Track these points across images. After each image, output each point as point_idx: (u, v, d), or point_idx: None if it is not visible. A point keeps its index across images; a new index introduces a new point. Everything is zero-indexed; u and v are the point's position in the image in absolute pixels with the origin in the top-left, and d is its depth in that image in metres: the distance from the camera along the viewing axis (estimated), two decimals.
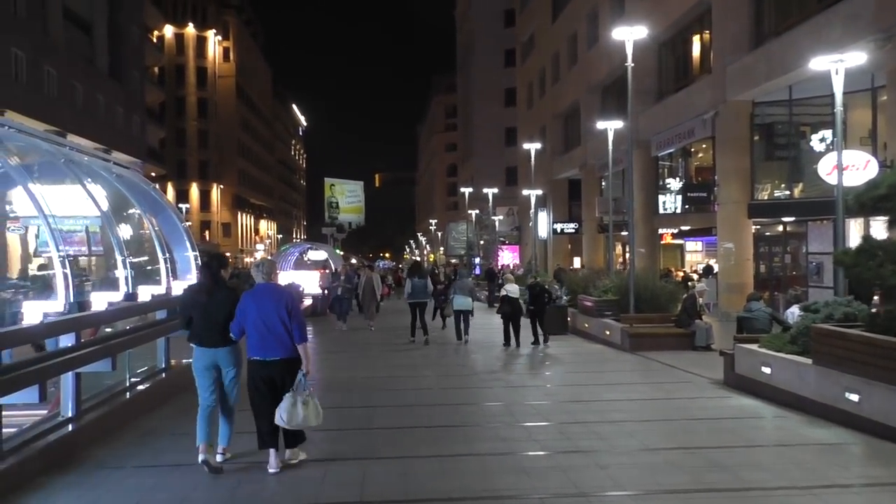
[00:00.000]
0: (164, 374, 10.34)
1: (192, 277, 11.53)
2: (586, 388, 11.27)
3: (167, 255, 10.23)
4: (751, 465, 6.74)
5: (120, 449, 7.43)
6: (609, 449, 7.33)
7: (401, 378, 12.40)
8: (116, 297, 8.58)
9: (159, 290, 9.94)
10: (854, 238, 22.78)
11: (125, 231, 9.61)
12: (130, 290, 8.63)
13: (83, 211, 9.41)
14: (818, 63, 12.94)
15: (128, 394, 9.02)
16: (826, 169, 17.69)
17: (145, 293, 9.57)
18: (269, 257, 26.48)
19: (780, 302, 23.99)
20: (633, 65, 18.23)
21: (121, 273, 8.45)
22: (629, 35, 17.98)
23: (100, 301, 8.35)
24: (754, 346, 10.39)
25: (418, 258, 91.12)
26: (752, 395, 9.97)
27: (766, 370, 9.83)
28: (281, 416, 6.42)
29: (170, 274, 10.08)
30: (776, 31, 21.21)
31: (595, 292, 19.08)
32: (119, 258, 8.54)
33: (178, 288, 11.04)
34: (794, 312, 11.03)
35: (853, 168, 16.80)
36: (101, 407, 8.12)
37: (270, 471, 6.57)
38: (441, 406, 9.84)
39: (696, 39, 27.38)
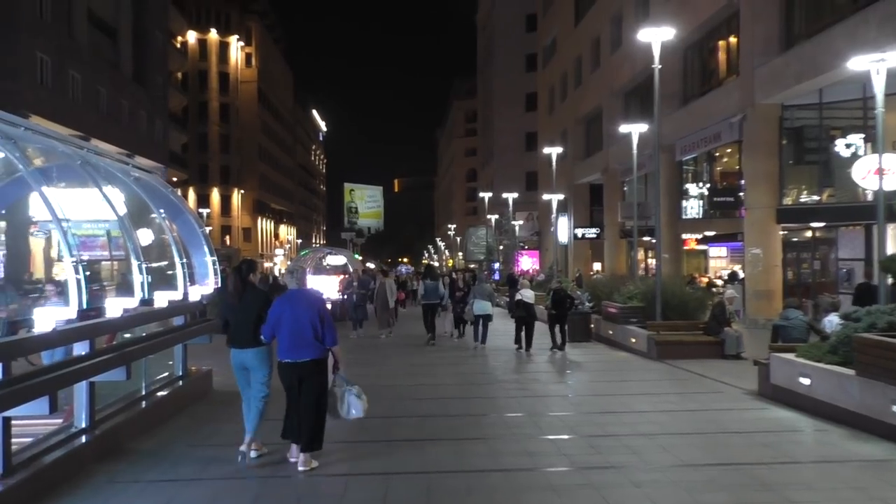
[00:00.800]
0: (181, 382, 10.10)
1: (210, 283, 11.31)
2: (614, 398, 10.90)
3: (184, 259, 9.97)
4: (797, 483, 6.36)
5: (135, 462, 7.17)
6: (643, 465, 6.97)
7: (420, 387, 12.09)
8: (132, 303, 8.33)
9: (176, 295, 9.69)
10: (887, 244, 22.30)
11: (144, 235, 9.35)
12: (146, 296, 8.38)
13: (103, 215, 9.20)
14: (857, 63, 12.53)
15: (143, 403, 8.77)
16: (861, 173, 17.25)
17: (162, 299, 9.33)
18: (300, 264, 26.12)
19: (807, 308, 23.46)
20: (660, 66, 17.74)
21: (136, 278, 8.21)
22: (656, 36, 17.54)
23: (115, 307, 8.12)
24: (791, 356, 9.98)
25: (435, 262, 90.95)
26: (789, 407, 9.57)
27: (805, 381, 9.42)
28: (349, 411, 7.01)
29: (187, 279, 9.83)
30: (807, 33, 20.74)
31: (620, 298, 18.67)
32: (135, 263, 8.30)
33: (196, 293, 10.83)
34: (832, 321, 10.60)
35: (889, 172, 16.34)
36: (116, 417, 7.87)
37: (291, 460, 6.97)
38: (463, 417, 9.51)
39: (722, 42, 26.92)
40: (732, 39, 25.60)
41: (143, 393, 8.92)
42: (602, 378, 13.39)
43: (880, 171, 12.13)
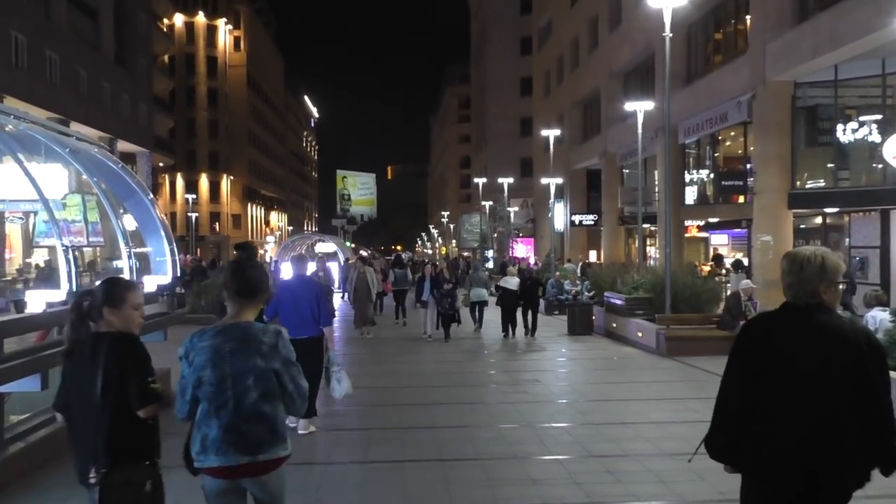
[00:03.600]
0: None
1: (169, 275, 9.94)
2: (626, 404, 9.58)
3: (131, 247, 8.59)
4: None
5: (49, 489, 5.84)
6: (676, 499, 5.67)
7: (406, 389, 10.75)
8: (58, 295, 6.98)
9: (58, 295, 8.30)
10: None
11: (75, 217, 7.98)
12: (75, 288, 7.01)
13: (27, 194, 7.84)
14: None
15: None
16: (893, 151, 15.97)
17: (38, 300, 7.96)
18: (303, 252, 24.93)
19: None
20: (671, 34, 16.36)
21: (62, 267, 6.86)
22: (667, 2, 16.11)
23: (37, 301, 6.78)
24: None
25: (414, 252, 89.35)
26: None
27: None
28: (335, 389, 7.26)
29: (135, 268, 8.46)
30: (824, 4, 19.34)
31: (624, 289, 17.35)
32: (60, 249, 6.94)
33: (152, 284, 9.47)
34: (875, 317, 9.30)
35: None
36: (29, 436, 6.52)
37: (291, 425, 7.04)
38: (453, 430, 8.18)
39: (729, 17, 25.54)
40: (740, 14, 24.22)
41: None
42: (609, 378, 12.05)
43: None
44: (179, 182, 79.04)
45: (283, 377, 3.45)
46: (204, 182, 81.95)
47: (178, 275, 9.76)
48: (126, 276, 8.42)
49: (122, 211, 9.43)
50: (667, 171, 17.96)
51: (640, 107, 20.77)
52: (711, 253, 31.79)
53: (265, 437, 3.39)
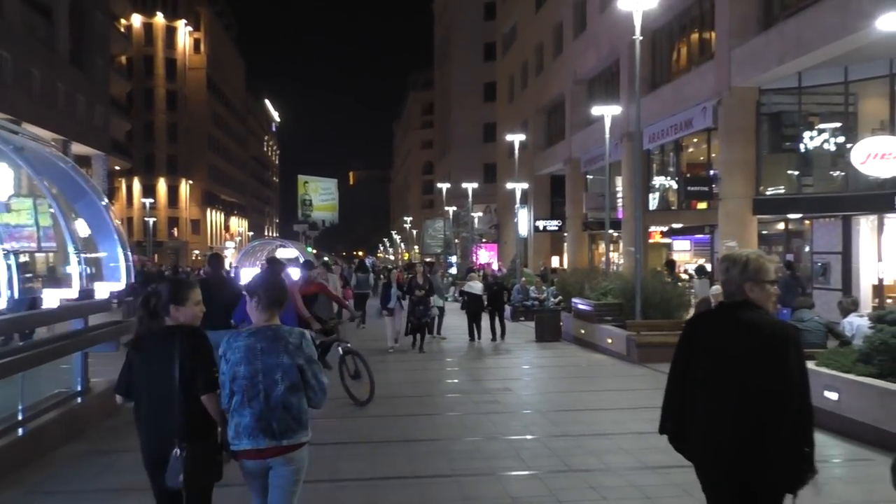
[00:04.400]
0: (79, 400, 8.24)
1: (123, 282, 9.44)
2: (602, 413, 9.30)
3: (80, 251, 8.09)
4: None
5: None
6: None
7: (374, 399, 10.34)
8: None
9: (70, 294, 7.82)
10: (865, 236, 21.19)
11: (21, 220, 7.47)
12: (18, 295, 6.52)
13: None
14: (887, 23, 11.00)
15: (20, 431, 6.91)
16: (860, 157, 15.95)
17: (52, 298, 7.47)
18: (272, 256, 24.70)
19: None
20: (640, 38, 16.26)
21: (2, 274, 6.36)
22: (637, 4, 15.96)
23: None
24: (811, 365, 8.49)
25: (376, 257, 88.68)
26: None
27: (832, 396, 7.94)
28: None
29: (84, 274, 7.96)
30: (790, 10, 19.40)
31: (593, 294, 17.14)
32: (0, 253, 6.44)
33: (104, 291, 8.96)
34: (852, 323, 9.15)
35: (890, 156, 15.11)
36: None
37: None
38: (427, 444, 7.81)
39: (695, 24, 25.58)
40: (706, 20, 24.26)
41: (20, 418, 7.04)
42: (582, 387, 11.76)
43: None
44: (137, 186, 77.55)
45: (306, 372, 3.92)
46: (162, 186, 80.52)
47: (133, 281, 9.25)
48: (76, 282, 7.93)
49: (73, 215, 8.91)
50: (636, 175, 17.75)
51: (607, 111, 20.64)
52: (677, 260, 31.89)
53: (290, 424, 3.88)
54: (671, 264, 26.41)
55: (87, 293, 8.37)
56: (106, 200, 9.54)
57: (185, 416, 3.88)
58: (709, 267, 24.97)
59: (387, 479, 6.42)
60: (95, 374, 8.73)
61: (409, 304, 16.04)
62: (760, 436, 3.25)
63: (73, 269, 7.90)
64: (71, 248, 7.85)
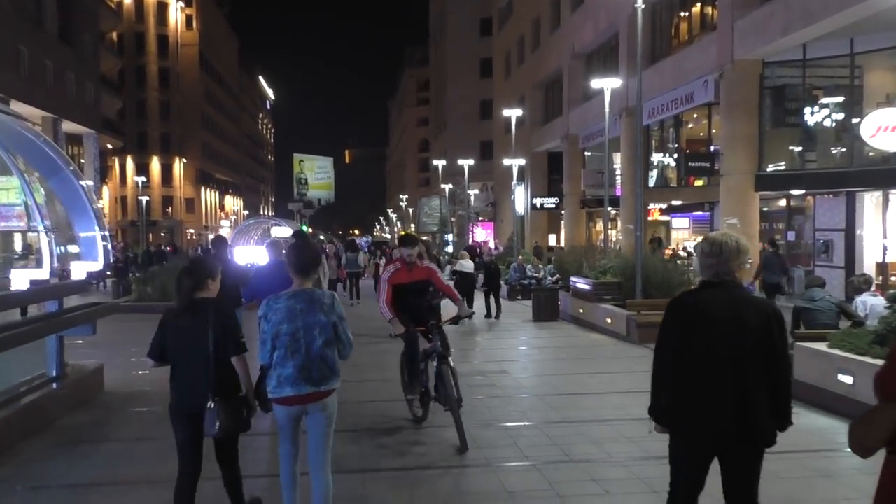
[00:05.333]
0: (54, 385, 7.82)
1: (100, 262, 8.99)
2: (602, 398, 8.89)
3: (51, 228, 7.63)
4: None
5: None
6: None
7: (366, 383, 9.93)
8: None
9: (40, 274, 7.37)
10: (869, 213, 20.78)
11: None
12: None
13: None
14: None
15: None
16: (870, 130, 15.52)
17: (20, 278, 7.03)
18: (277, 237, 24.77)
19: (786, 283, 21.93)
20: (643, 5, 15.66)
21: (45, 246, 5.92)
22: None
23: None
24: (824, 346, 8.10)
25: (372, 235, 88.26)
26: (824, 412, 7.70)
27: (846, 379, 7.54)
28: None
29: (54, 253, 7.51)
30: None
31: (592, 273, 16.71)
32: None
33: (80, 271, 8.53)
34: (865, 302, 8.74)
35: None
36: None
37: None
38: (417, 431, 7.41)
39: None
40: None
41: None
42: (581, 368, 11.34)
43: None
44: (130, 165, 76.86)
45: (338, 328, 4.53)
46: (156, 165, 79.79)
47: (111, 260, 8.80)
48: (46, 262, 7.49)
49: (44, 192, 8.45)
50: (637, 151, 17.24)
51: (607, 84, 20.08)
52: (674, 237, 31.49)
53: (326, 373, 4.49)
54: (657, 241, 26.07)
55: (61, 273, 7.93)
56: (86, 180, 9.02)
57: (218, 375, 4.51)
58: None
59: (374, 472, 6.02)
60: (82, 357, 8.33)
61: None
62: (752, 402, 3.56)
63: (43, 248, 7.45)
64: (40, 227, 7.40)
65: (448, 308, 8.02)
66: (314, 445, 4.56)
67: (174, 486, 4.64)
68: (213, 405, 4.46)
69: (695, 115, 26.68)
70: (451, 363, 6.89)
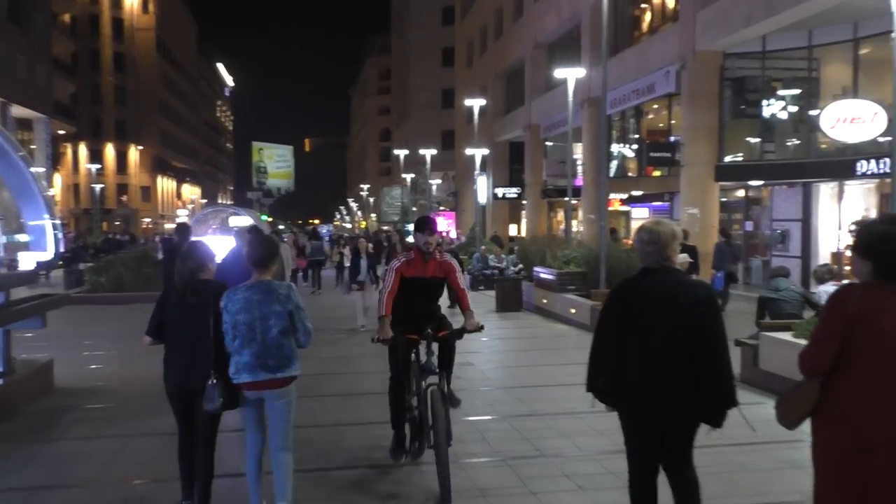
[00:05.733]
0: (0, 382, 7.47)
1: (50, 251, 8.63)
2: (569, 389, 8.72)
3: None
4: None
5: None
6: None
7: (326, 376, 9.73)
8: None
9: None
10: (825, 203, 21.06)
11: None
12: None
13: None
14: None
15: None
16: (829, 122, 15.66)
17: None
18: (245, 226, 23.83)
19: (737, 273, 22.21)
20: None
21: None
22: None
23: None
24: (788, 336, 8.11)
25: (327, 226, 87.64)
26: None
27: None
28: None
29: (0, 243, 7.16)
30: None
31: (555, 263, 16.65)
32: None
33: (29, 261, 8.17)
34: (829, 293, 8.75)
35: (859, 121, 14.82)
36: None
37: None
38: (382, 426, 7.22)
39: None
40: None
41: None
42: (547, 360, 11.24)
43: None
44: (83, 151, 75.18)
45: (294, 318, 4.70)
46: (110, 152, 78.16)
47: (62, 250, 8.46)
48: None
49: None
50: (602, 141, 17.23)
51: (570, 74, 19.98)
52: (633, 227, 31.66)
53: (282, 361, 4.66)
54: (612, 232, 26.20)
55: (9, 263, 7.58)
56: (29, 159, 8.63)
57: (217, 353, 4.68)
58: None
59: (339, 470, 5.84)
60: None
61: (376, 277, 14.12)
62: (690, 380, 3.72)
63: None
64: None
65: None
66: (273, 429, 4.79)
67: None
68: (214, 381, 4.63)
69: (655, 106, 26.82)
70: (448, 387, 5.75)
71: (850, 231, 15.86)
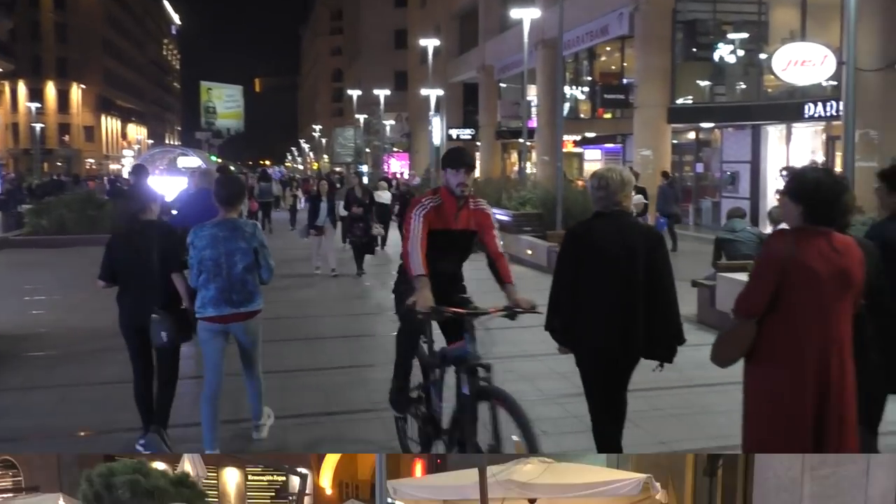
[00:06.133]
0: None
1: None
2: (529, 332, 8.80)
3: None
4: None
5: None
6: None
7: (285, 320, 9.74)
8: None
9: None
10: (773, 146, 21.46)
11: None
12: None
13: None
14: None
15: None
16: (781, 64, 15.87)
17: None
18: (206, 167, 23.42)
19: (687, 212, 22.71)
20: None
21: None
22: None
23: None
24: (744, 277, 8.33)
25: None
26: None
27: None
28: None
29: None
30: None
31: (511, 204, 16.77)
32: None
33: None
34: None
35: (809, 63, 15.05)
36: None
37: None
38: (337, 373, 7.30)
39: None
40: None
41: None
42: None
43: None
44: (22, 90, 72.47)
45: (259, 254, 4.93)
46: (51, 90, 75.53)
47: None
48: None
49: None
50: (558, 83, 17.26)
51: (526, 15, 19.83)
52: (586, 168, 31.90)
53: (246, 296, 4.91)
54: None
55: None
56: None
57: (163, 288, 4.99)
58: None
59: (299, 417, 5.93)
60: None
61: (347, 221, 14.24)
62: (643, 318, 3.95)
63: None
64: None
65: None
66: (243, 357, 5.16)
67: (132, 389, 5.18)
68: (156, 317, 4.88)
69: (608, 48, 26.83)
70: (506, 393, 4.23)
71: (782, 175, 16.41)
